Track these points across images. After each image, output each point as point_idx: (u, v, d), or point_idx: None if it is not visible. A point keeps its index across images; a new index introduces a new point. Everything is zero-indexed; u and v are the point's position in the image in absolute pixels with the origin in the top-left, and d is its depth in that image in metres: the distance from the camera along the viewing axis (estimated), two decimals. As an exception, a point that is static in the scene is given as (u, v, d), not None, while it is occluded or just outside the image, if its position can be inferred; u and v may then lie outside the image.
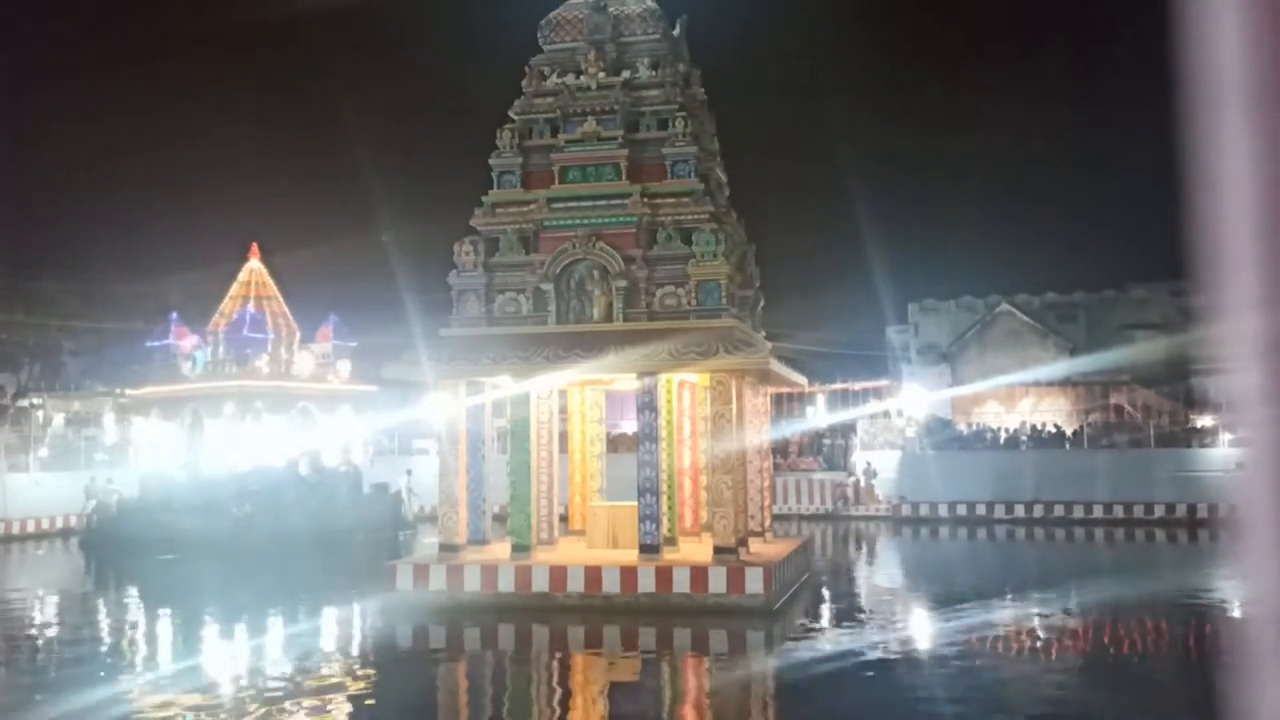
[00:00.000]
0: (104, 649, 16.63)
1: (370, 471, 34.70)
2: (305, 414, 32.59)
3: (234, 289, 34.28)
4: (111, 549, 28.16)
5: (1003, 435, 39.28)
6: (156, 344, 33.81)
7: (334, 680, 13.72)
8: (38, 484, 33.97)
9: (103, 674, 14.13)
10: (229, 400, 31.49)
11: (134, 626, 19.14)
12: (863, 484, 36.85)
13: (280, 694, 12.76)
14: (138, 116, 76.28)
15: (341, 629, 18.09)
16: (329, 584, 21.72)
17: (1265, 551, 0.98)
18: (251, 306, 32.94)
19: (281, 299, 34.71)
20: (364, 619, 18.57)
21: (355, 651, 16.31)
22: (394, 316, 24.87)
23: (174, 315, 34.29)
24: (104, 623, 19.69)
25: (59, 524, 33.92)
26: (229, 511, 28.04)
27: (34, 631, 18.41)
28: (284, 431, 31.90)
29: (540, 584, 17.64)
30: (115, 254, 58.41)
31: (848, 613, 19.50)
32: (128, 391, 35.42)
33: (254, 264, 34.57)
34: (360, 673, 14.40)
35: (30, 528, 33.02)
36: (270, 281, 34.72)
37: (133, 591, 23.79)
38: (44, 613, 20.81)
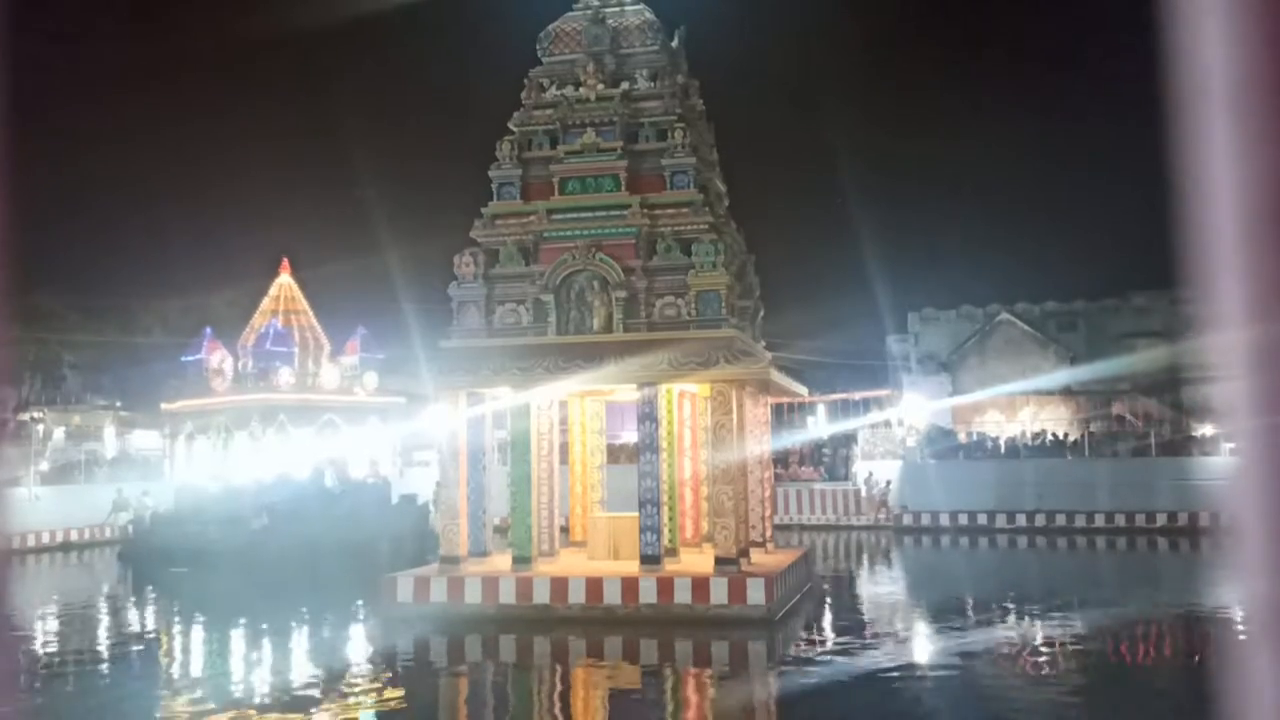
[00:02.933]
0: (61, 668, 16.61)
1: (399, 483, 34.88)
2: (331, 426, 32.88)
3: (264, 303, 34.78)
4: (145, 560, 28.77)
5: (1003, 444, 39.24)
6: (190, 358, 34.30)
7: (326, 696, 13.66)
8: (37, 498, 33.96)
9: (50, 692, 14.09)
10: (254, 413, 31.89)
11: (112, 644, 19.11)
12: (863, 493, 36.85)
13: (268, 710, 12.73)
14: (146, 132, 76.50)
15: (337, 643, 18.00)
16: (336, 596, 21.67)
17: (1257, 560, 0.98)
18: (279, 321, 33.36)
19: (311, 313, 35.11)
20: (362, 632, 18.54)
21: (350, 666, 16.20)
22: (419, 329, 25.04)
23: (207, 331, 34.62)
24: (76, 641, 19.67)
25: (58, 538, 33.94)
26: (248, 523, 28.45)
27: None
28: (310, 444, 32.24)
29: (541, 595, 17.61)
30: (116, 269, 58.52)
31: (849, 624, 19.46)
32: (162, 405, 35.87)
33: (284, 278, 35.07)
34: (355, 688, 14.35)
35: (30, 542, 32.97)
36: (299, 295, 35.18)
37: (133, 606, 23.82)
38: (43, 629, 20.80)
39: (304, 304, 35.16)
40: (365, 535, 27.98)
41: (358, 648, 17.62)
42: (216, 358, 33.32)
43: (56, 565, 31.36)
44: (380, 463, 34.77)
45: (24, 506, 33.22)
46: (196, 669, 16.31)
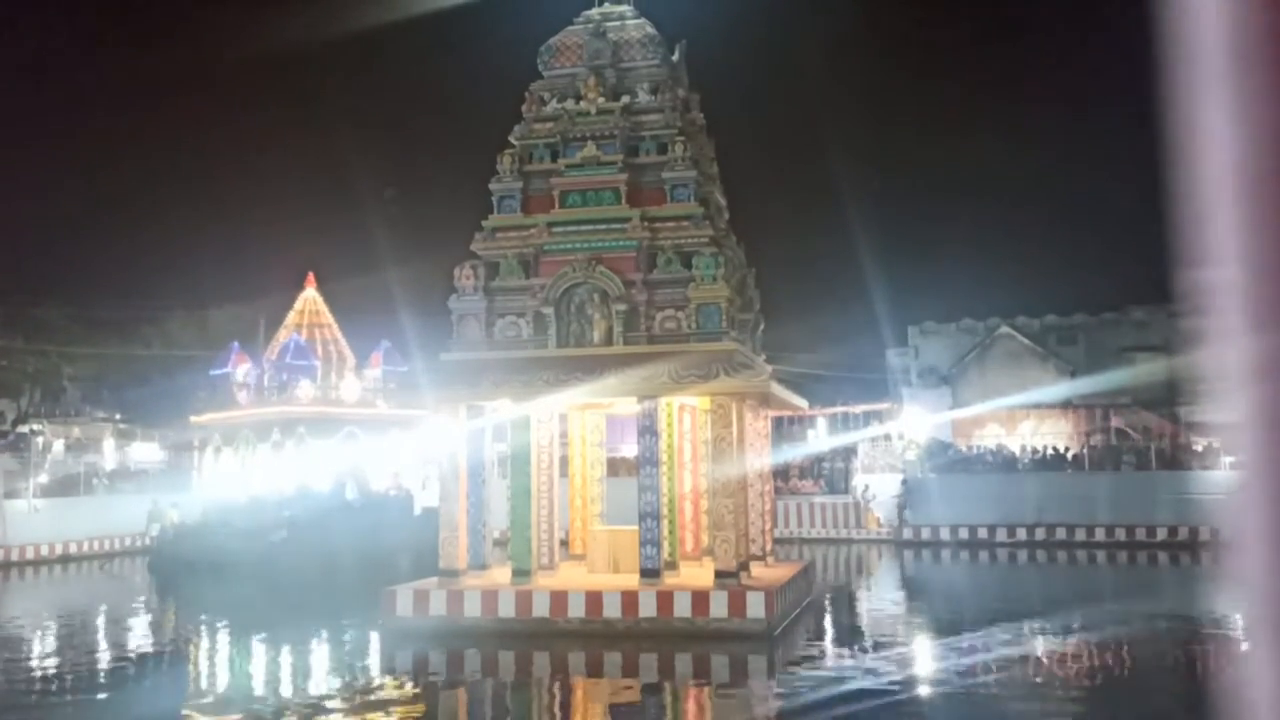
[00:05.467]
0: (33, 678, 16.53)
1: (423, 495, 34.86)
2: (352, 438, 33.00)
3: (289, 317, 35.02)
4: (169, 571, 29.06)
5: (1004, 458, 39.17)
6: (218, 372, 34.49)
7: (323, 712, 13.58)
8: (37, 511, 33.92)
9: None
10: (274, 426, 32.04)
11: (99, 654, 19.05)
12: (863, 506, 36.78)
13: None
14: (152, 146, 76.59)
15: (326, 658, 17.88)
16: (342, 609, 21.57)
17: (1259, 573, 0.98)
18: (301, 334, 33.54)
19: (335, 326, 35.30)
20: (361, 646, 18.45)
21: (337, 681, 16.00)
22: (430, 342, 25.10)
23: (235, 345, 34.78)
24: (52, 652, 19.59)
25: (58, 550, 33.85)
26: (267, 536, 28.59)
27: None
28: (331, 456, 32.36)
29: (541, 609, 17.56)
30: (117, 281, 58.55)
31: (850, 638, 19.41)
32: (191, 418, 36.09)
33: (309, 292, 35.30)
34: (351, 703, 14.27)
35: (30, 554, 32.91)
36: (324, 309, 35.38)
37: (126, 619, 23.76)
38: (44, 639, 20.75)
39: (329, 317, 35.45)
40: (386, 548, 27.93)
41: (348, 663, 17.45)
42: (241, 371, 33.58)
43: (55, 578, 31.26)
44: (403, 475, 34.86)
45: (24, 519, 33.20)
46: (156, 685, 16.11)
